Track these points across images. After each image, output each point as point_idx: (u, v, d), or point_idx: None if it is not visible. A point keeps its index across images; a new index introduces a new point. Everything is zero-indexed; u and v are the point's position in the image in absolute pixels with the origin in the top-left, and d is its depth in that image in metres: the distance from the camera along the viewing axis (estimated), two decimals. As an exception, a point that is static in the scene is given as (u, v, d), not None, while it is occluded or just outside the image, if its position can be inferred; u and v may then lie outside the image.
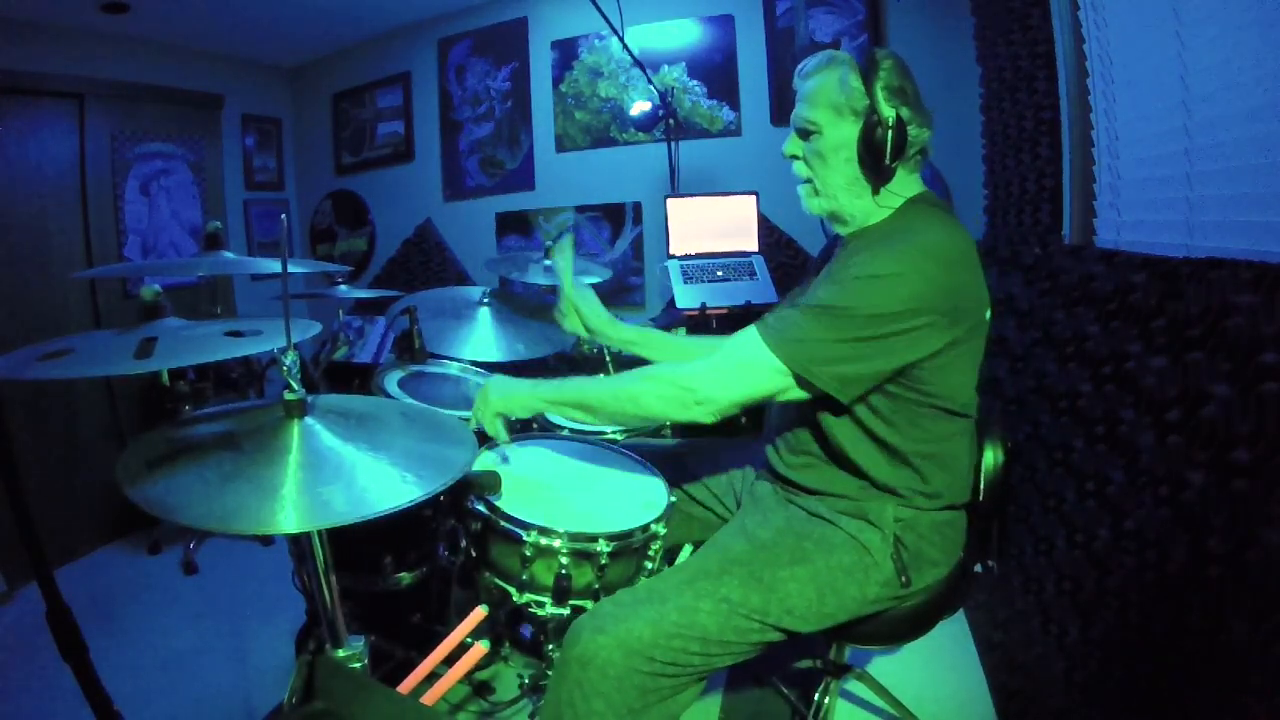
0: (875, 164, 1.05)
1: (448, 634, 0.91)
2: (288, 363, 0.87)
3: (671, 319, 2.37)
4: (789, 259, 2.80)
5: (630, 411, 1.09)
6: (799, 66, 1.12)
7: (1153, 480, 1.03)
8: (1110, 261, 1.26)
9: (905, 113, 1.03)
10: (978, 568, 1.22)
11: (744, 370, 1.03)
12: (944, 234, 1.04)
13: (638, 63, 2.48)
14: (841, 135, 1.06)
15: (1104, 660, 1.15)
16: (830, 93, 1.06)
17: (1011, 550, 1.68)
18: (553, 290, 2.79)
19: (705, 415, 1.04)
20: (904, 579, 1.10)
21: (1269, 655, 0.76)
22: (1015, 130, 1.91)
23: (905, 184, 1.11)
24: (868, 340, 0.98)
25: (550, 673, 1.14)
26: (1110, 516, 1.15)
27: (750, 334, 1.05)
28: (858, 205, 1.11)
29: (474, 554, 1.28)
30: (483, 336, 1.87)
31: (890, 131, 1.01)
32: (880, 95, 1.01)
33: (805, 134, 1.10)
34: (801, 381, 1.01)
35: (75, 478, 2.65)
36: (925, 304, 0.97)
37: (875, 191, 1.09)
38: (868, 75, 1.03)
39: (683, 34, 2.95)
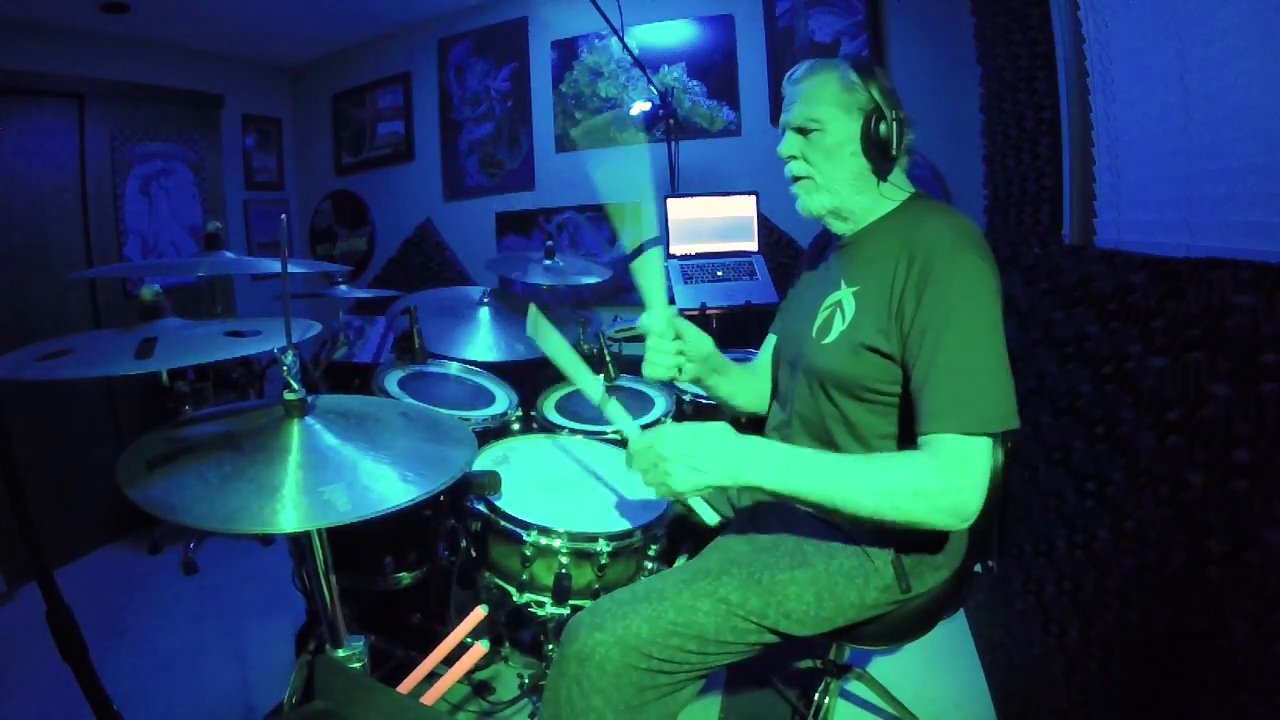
0: (881, 156, 1.09)
1: (448, 634, 0.90)
2: (288, 363, 0.87)
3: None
4: (789, 259, 2.80)
5: (888, 519, 0.93)
6: (788, 73, 1.16)
7: (1153, 480, 1.03)
8: (1110, 261, 1.26)
9: (900, 114, 1.09)
10: (978, 568, 1.22)
11: (974, 468, 0.94)
12: (967, 220, 1.07)
13: (638, 63, 2.48)
14: (847, 130, 1.09)
15: (1104, 660, 1.15)
16: (834, 90, 1.09)
17: (1011, 550, 1.68)
18: (553, 290, 2.79)
19: (963, 525, 0.95)
20: (904, 585, 1.10)
21: (1269, 655, 0.76)
22: (1015, 130, 1.91)
23: (903, 180, 1.15)
24: (1001, 350, 0.97)
25: (549, 670, 1.14)
26: (1110, 516, 1.15)
27: (949, 441, 0.94)
28: (859, 200, 1.13)
29: (474, 554, 1.28)
30: (483, 336, 1.87)
31: (895, 124, 1.07)
32: (878, 95, 1.08)
33: (805, 132, 1.12)
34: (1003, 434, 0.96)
35: (75, 478, 2.65)
36: (999, 293, 0.99)
37: (879, 184, 1.12)
38: (866, 76, 1.08)
39: (682, 34, 2.95)
